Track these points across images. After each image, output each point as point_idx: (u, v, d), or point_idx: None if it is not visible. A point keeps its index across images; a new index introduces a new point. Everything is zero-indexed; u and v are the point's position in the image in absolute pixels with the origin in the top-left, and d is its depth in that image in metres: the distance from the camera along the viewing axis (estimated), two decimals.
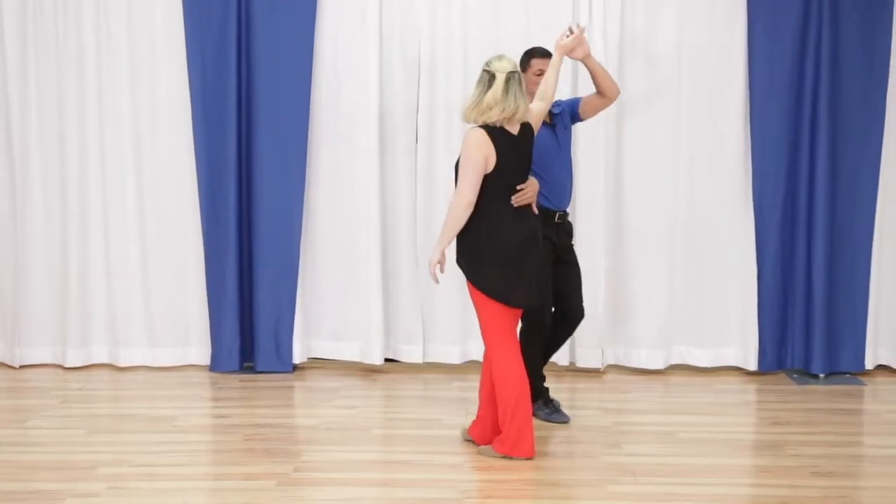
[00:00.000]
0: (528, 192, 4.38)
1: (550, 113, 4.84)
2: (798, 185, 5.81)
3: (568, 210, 4.93)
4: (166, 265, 6.04)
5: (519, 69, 4.38)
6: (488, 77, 4.31)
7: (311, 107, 5.88)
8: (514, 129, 4.34)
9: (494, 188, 4.30)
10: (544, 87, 4.59)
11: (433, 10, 5.86)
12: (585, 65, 4.82)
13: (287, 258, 5.93)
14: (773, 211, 5.82)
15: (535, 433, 4.54)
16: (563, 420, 4.94)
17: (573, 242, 5.01)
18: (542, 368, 4.99)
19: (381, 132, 5.92)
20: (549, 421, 4.89)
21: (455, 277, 5.92)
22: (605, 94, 4.88)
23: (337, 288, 6.06)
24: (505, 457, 4.39)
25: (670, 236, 5.89)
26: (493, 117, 4.28)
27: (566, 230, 4.94)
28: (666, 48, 5.77)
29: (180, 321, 6.08)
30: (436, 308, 6.02)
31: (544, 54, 4.82)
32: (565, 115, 4.93)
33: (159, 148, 5.98)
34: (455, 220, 4.29)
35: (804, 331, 5.88)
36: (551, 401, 5.01)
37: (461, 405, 5.29)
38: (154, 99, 5.95)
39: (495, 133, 4.29)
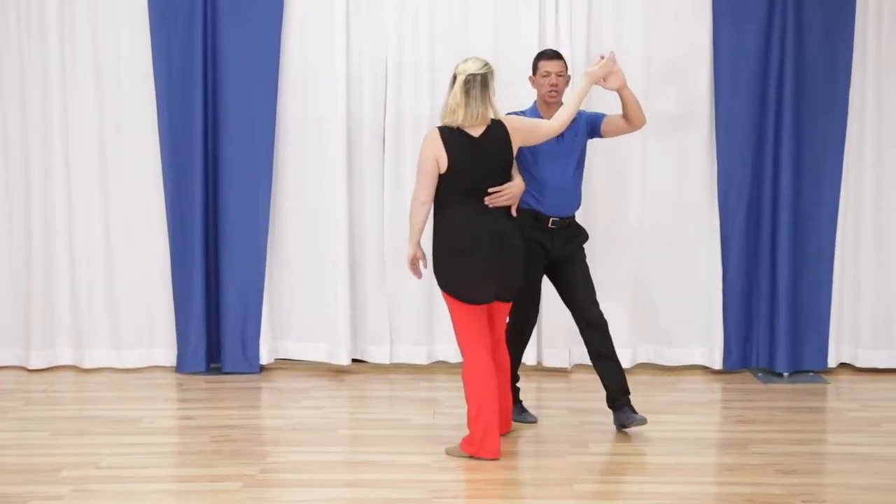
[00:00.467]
0: (503, 194, 4.36)
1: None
2: (762, 185, 5.86)
3: (568, 216, 4.77)
4: (131, 265, 5.99)
5: (488, 71, 4.34)
6: (452, 79, 4.36)
7: (277, 107, 5.86)
8: (476, 132, 4.34)
9: (451, 188, 4.34)
10: (562, 109, 4.53)
11: (401, 14, 5.86)
12: (620, 95, 4.65)
13: (254, 258, 5.90)
14: (737, 211, 5.87)
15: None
16: (531, 420, 4.95)
17: (581, 249, 4.84)
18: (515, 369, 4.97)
19: (349, 133, 5.91)
20: (516, 420, 4.90)
21: (424, 278, 5.94)
22: (632, 122, 4.71)
23: (304, 288, 6.04)
24: (471, 457, 4.40)
25: (636, 236, 5.93)
26: (458, 120, 4.32)
27: (565, 237, 4.76)
28: (633, 53, 5.78)
29: (146, 322, 6.03)
30: (403, 309, 6.02)
31: (552, 56, 4.78)
32: (580, 123, 4.74)
33: (125, 149, 5.94)
34: (412, 218, 4.44)
35: (768, 330, 5.94)
36: (520, 401, 5.02)
37: (428, 405, 5.30)
38: (119, 100, 5.91)
39: (449, 134, 4.33)
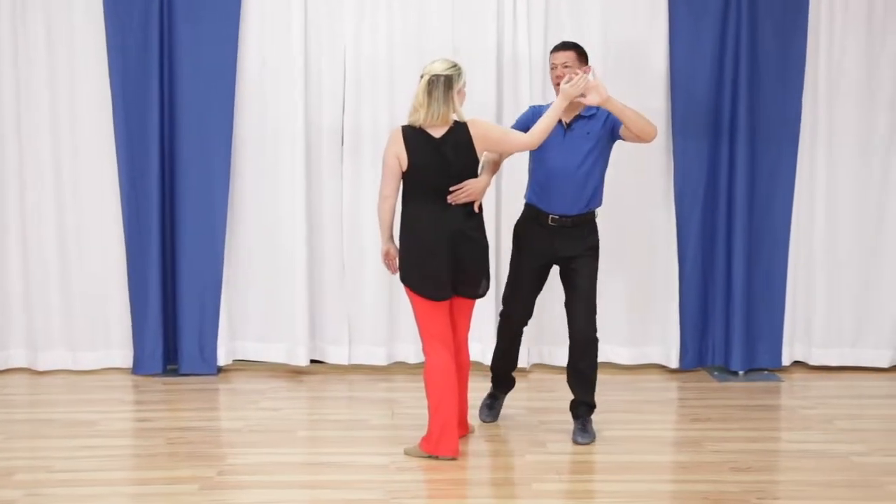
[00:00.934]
0: (463, 192, 4.39)
1: (578, 115, 4.65)
2: (718, 184, 5.92)
3: (570, 215, 4.67)
4: (86, 267, 5.92)
5: (453, 73, 4.36)
6: (420, 78, 4.41)
7: (235, 108, 5.83)
8: (438, 132, 4.37)
9: (413, 187, 4.42)
10: (536, 123, 4.49)
11: (359, 14, 5.85)
12: (608, 109, 4.55)
13: (211, 258, 5.86)
14: (693, 210, 5.93)
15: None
16: (489, 420, 4.97)
17: (591, 254, 4.71)
18: (505, 371, 4.96)
19: (307, 131, 5.89)
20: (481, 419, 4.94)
21: (381, 279, 5.95)
22: (636, 135, 4.57)
23: (262, 289, 6.02)
24: (430, 456, 4.40)
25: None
26: (420, 120, 4.36)
27: (569, 236, 4.67)
28: (591, 50, 5.80)
29: (101, 324, 5.97)
30: (361, 309, 6.01)
31: (558, 48, 4.71)
32: (596, 123, 4.63)
33: (79, 150, 5.86)
34: (378, 213, 4.54)
35: (724, 329, 6.00)
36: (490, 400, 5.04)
37: (387, 406, 5.30)
38: (73, 101, 5.82)
39: (411, 133, 4.39)
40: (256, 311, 6.03)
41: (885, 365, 6.07)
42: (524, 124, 4.69)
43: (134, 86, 5.74)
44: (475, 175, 4.47)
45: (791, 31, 5.84)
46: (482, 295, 4.54)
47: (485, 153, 4.52)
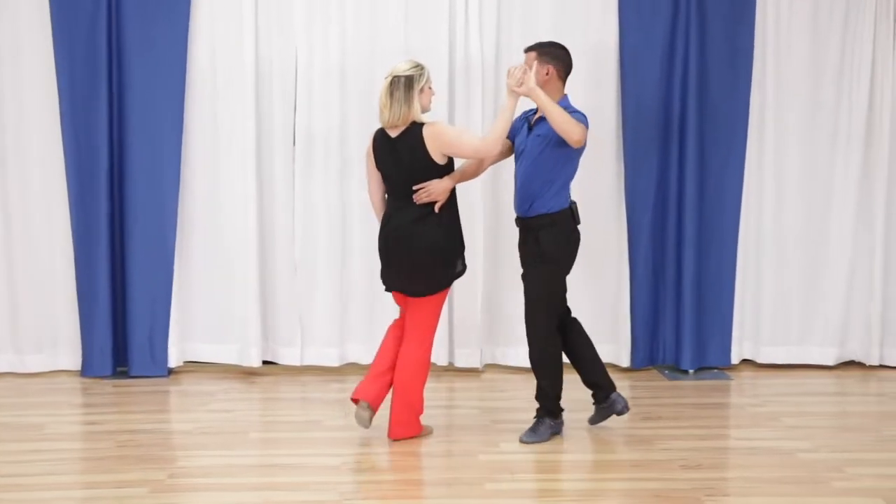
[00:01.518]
0: (424, 191, 4.50)
1: (541, 116, 4.61)
2: (668, 187, 5.99)
3: (521, 216, 4.70)
4: (33, 267, 5.85)
5: (415, 73, 4.45)
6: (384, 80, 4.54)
7: (185, 107, 5.79)
8: (394, 133, 4.50)
9: (385, 185, 4.67)
10: (490, 127, 4.54)
11: (310, 15, 5.83)
12: (533, 101, 4.53)
13: (161, 258, 5.82)
14: (644, 211, 5.99)
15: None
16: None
17: (535, 259, 4.68)
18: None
19: (259, 134, 5.86)
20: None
21: (333, 280, 5.94)
22: (558, 133, 4.50)
23: (214, 290, 5.97)
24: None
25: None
26: (384, 120, 4.50)
27: (523, 240, 4.71)
28: None
29: (48, 325, 5.89)
30: (314, 310, 5.99)
31: (526, 50, 4.71)
32: (548, 124, 4.54)
33: (26, 151, 5.80)
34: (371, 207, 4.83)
35: (674, 328, 6.07)
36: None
37: (340, 407, 5.28)
38: (20, 99, 5.76)
39: (379, 134, 4.59)
40: (208, 311, 5.98)
41: (831, 362, 6.18)
42: (510, 130, 4.75)
43: (82, 87, 5.69)
44: (431, 176, 4.50)
45: (739, 32, 5.92)
46: (419, 294, 4.59)
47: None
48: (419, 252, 4.52)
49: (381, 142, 4.56)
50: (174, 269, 5.84)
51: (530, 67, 4.60)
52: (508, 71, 4.58)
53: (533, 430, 4.74)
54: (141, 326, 5.84)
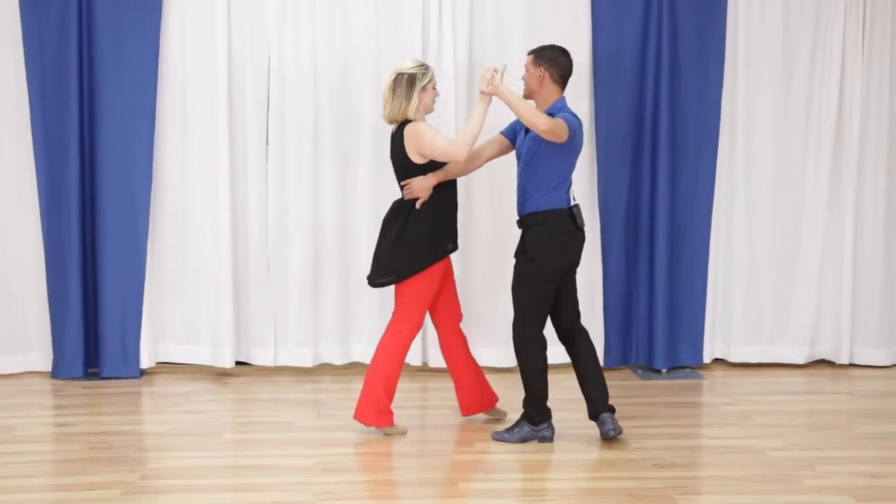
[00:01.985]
0: (407, 188, 4.65)
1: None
2: (640, 188, 6.02)
3: (518, 217, 4.72)
4: (3, 269, 5.79)
5: (417, 72, 4.58)
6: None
7: (157, 108, 5.75)
8: (393, 128, 4.68)
9: None
10: (462, 128, 4.57)
11: (282, 17, 5.81)
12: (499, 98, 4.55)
13: (133, 258, 5.78)
14: (616, 213, 6.01)
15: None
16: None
17: (519, 258, 4.70)
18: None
19: (231, 133, 5.84)
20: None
21: (306, 279, 5.92)
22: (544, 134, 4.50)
23: (186, 290, 5.94)
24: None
25: (515, 237, 5.98)
26: (384, 115, 4.69)
27: (523, 238, 4.70)
28: (514, 53, 5.86)
29: (19, 326, 5.83)
30: (287, 311, 5.97)
31: (529, 53, 4.73)
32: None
33: None
34: None
35: (647, 328, 6.10)
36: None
37: (313, 407, 5.27)
38: None
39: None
40: (180, 312, 5.95)
41: (802, 361, 6.24)
42: (511, 129, 4.79)
43: (52, 86, 5.65)
44: (408, 173, 4.63)
45: (710, 35, 5.96)
46: (372, 285, 4.75)
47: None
48: (388, 244, 4.66)
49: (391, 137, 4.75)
50: (146, 269, 5.80)
51: (526, 70, 4.66)
52: (481, 74, 4.61)
53: (508, 429, 4.75)
54: (113, 327, 5.80)
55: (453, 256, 4.90)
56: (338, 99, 5.86)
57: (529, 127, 4.53)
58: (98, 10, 5.66)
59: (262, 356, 5.99)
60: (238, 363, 5.99)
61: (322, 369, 6.02)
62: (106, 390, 5.60)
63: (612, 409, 4.71)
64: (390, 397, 4.74)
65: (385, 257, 4.68)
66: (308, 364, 6.00)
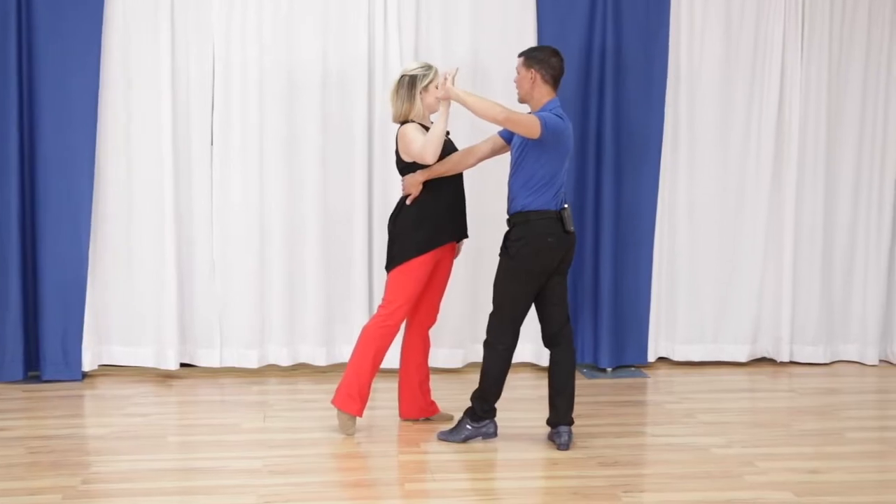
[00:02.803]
0: (402, 185, 4.78)
1: None
2: (585, 191, 6.07)
3: (508, 216, 4.69)
4: None
5: (419, 73, 4.65)
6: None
7: (99, 106, 5.68)
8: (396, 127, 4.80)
9: None
10: (431, 128, 4.58)
11: (228, 21, 5.78)
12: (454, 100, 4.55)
13: (75, 258, 5.70)
14: None
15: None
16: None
17: (502, 255, 4.70)
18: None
19: (175, 133, 5.78)
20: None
21: (252, 280, 5.88)
22: (508, 126, 4.52)
23: (129, 291, 5.87)
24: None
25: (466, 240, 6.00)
26: (392, 115, 4.78)
27: (507, 236, 4.69)
28: (460, 55, 5.89)
29: None
30: (233, 312, 5.93)
31: (520, 55, 4.72)
32: None
33: None
34: None
35: (593, 328, 6.16)
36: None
37: (259, 409, 5.24)
38: None
39: None
40: (123, 313, 5.88)
41: (744, 359, 6.34)
42: (507, 130, 4.74)
43: None
44: (403, 171, 4.75)
45: (653, 38, 6.03)
46: (386, 268, 4.83)
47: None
48: (391, 235, 4.79)
49: None
50: (88, 270, 5.73)
51: (517, 71, 4.67)
52: (438, 82, 4.61)
53: (451, 429, 4.77)
54: (53, 329, 5.71)
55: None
56: (285, 99, 5.83)
57: (489, 121, 4.52)
58: (37, 2, 5.56)
59: (207, 358, 5.94)
60: (183, 365, 5.93)
61: (268, 370, 5.99)
62: (47, 394, 5.51)
63: (571, 422, 4.73)
64: (361, 384, 4.73)
65: (388, 245, 4.82)
66: (254, 365, 5.96)
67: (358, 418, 4.83)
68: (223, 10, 5.76)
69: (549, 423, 4.75)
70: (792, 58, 6.18)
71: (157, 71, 5.72)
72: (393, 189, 5.87)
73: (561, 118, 4.58)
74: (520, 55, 4.71)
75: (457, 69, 4.64)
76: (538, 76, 4.64)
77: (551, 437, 4.73)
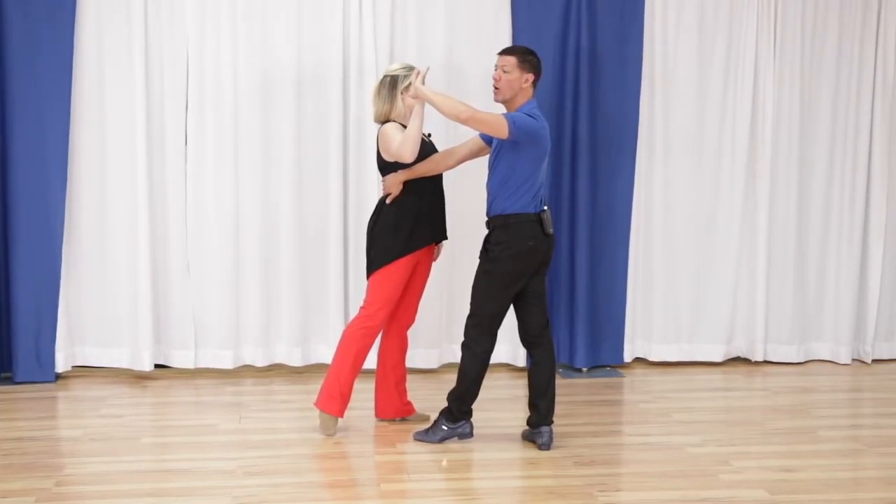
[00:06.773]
0: (382, 184, 4.80)
1: None
2: (561, 192, 6.08)
3: (488, 219, 4.67)
4: None
5: (399, 74, 4.67)
6: None
7: (72, 107, 5.64)
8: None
9: None
10: (408, 127, 4.56)
11: (202, 19, 5.75)
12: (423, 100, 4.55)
13: (48, 258, 5.65)
14: None
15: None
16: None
17: (483, 257, 4.68)
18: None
19: (149, 133, 5.74)
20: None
21: (227, 280, 5.86)
22: (477, 126, 4.50)
23: (103, 292, 5.83)
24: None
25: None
26: (373, 115, 4.80)
27: (487, 238, 4.67)
28: (434, 65, 5.87)
29: None
30: (207, 313, 5.90)
31: (502, 52, 4.66)
32: None
33: None
34: None
35: (569, 328, 6.17)
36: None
37: (235, 410, 5.22)
38: None
39: None
40: (97, 314, 5.84)
41: (719, 359, 6.38)
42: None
43: None
44: (384, 170, 4.75)
45: (628, 40, 6.05)
46: (367, 272, 4.81)
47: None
48: (369, 236, 4.78)
49: None
50: (61, 270, 5.68)
51: (507, 70, 4.57)
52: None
53: (427, 430, 4.77)
54: (26, 330, 5.66)
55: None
56: (258, 100, 5.81)
57: (453, 120, 4.49)
58: (7, 3, 5.51)
59: (181, 359, 5.91)
60: (157, 366, 5.90)
61: (243, 371, 5.97)
62: (19, 395, 5.47)
63: (552, 422, 4.72)
64: (343, 385, 4.73)
65: (367, 248, 4.81)
66: (229, 366, 5.94)
67: (339, 419, 4.81)
68: (197, 9, 5.74)
69: (529, 423, 4.75)
70: (765, 58, 6.22)
71: (131, 70, 5.69)
72: (368, 188, 5.88)
73: (535, 118, 4.56)
74: (508, 54, 4.63)
75: (427, 68, 4.65)
76: (531, 80, 4.63)
77: (531, 437, 4.74)
